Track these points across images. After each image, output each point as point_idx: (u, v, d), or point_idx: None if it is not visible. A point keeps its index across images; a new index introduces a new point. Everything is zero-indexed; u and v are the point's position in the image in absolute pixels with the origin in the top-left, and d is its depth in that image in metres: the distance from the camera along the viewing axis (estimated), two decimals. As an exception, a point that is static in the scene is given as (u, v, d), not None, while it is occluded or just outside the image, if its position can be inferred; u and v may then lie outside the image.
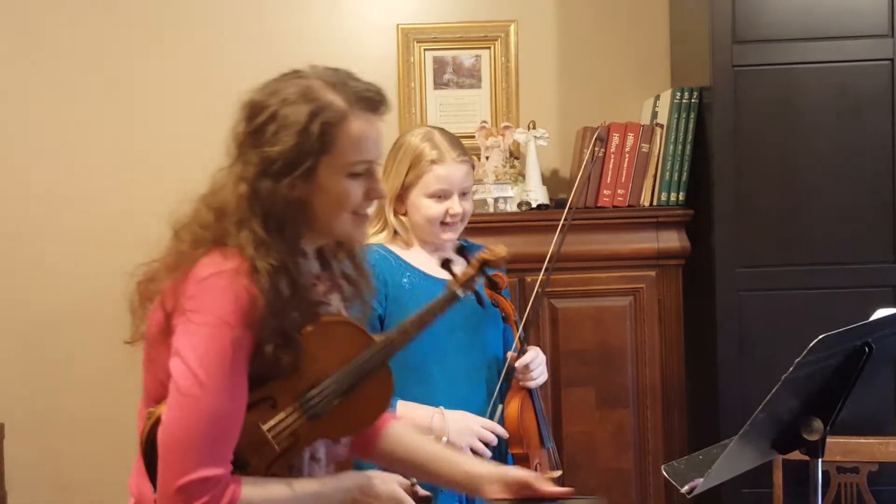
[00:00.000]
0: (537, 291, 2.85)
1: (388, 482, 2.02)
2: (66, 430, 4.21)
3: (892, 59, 3.60)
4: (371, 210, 2.03)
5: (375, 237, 2.84)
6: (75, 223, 4.20)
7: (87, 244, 4.19)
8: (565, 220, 2.85)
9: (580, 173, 2.98)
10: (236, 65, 4.19)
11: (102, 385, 4.16)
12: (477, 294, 2.18)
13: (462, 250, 2.91)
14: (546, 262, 2.82)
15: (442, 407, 2.72)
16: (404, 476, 2.09)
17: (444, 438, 2.67)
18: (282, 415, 1.86)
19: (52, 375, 4.21)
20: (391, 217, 2.84)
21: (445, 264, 2.13)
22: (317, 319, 1.91)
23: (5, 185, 4.20)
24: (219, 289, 1.79)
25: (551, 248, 2.81)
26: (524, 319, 2.87)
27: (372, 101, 1.96)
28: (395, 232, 2.85)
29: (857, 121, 3.62)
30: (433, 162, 2.76)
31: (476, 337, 2.84)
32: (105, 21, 4.20)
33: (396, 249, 2.83)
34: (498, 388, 2.80)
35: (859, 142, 3.63)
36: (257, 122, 1.89)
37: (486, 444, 2.73)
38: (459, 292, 2.07)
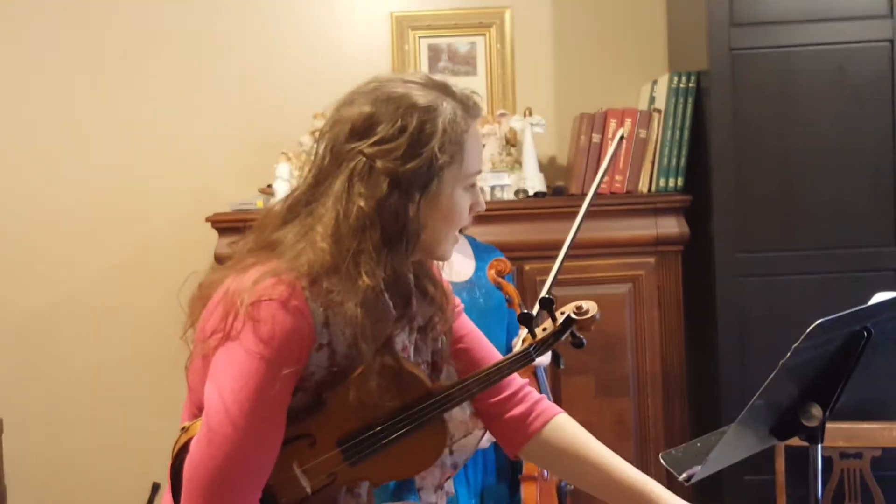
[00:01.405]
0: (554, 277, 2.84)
1: None
2: (65, 424, 4.21)
3: (891, 41, 3.56)
4: None
5: None
6: (73, 218, 4.19)
7: (85, 239, 4.17)
8: (589, 206, 2.85)
9: (606, 159, 2.96)
10: (229, 56, 4.17)
11: (100, 380, 4.16)
12: (556, 355, 2.08)
13: (478, 248, 2.91)
14: (564, 250, 2.81)
15: None
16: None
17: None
18: (319, 457, 1.75)
19: (51, 370, 4.20)
20: None
21: (525, 318, 1.87)
22: (377, 359, 1.74)
23: (1, 181, 4.18)
24: (274, 320, 1.66)
25: (570, 235, 2.79)
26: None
27: (476, 107, 1.84)
28: None
29: (857, 103, 3.59)
30: None
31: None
32: (98, 17, 4.17)
33: None
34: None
35: (859, 124, 3.60)
36: (381, 133, 1.73)
37: None
38: (535, 355, 1.90)
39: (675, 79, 3.77)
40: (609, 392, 3.72)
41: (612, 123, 3.79)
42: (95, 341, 4.15)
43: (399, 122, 1.73)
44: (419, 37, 4.18)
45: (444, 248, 1.85)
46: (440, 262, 2.00)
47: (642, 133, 3.78)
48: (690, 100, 3.76)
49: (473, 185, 1.83)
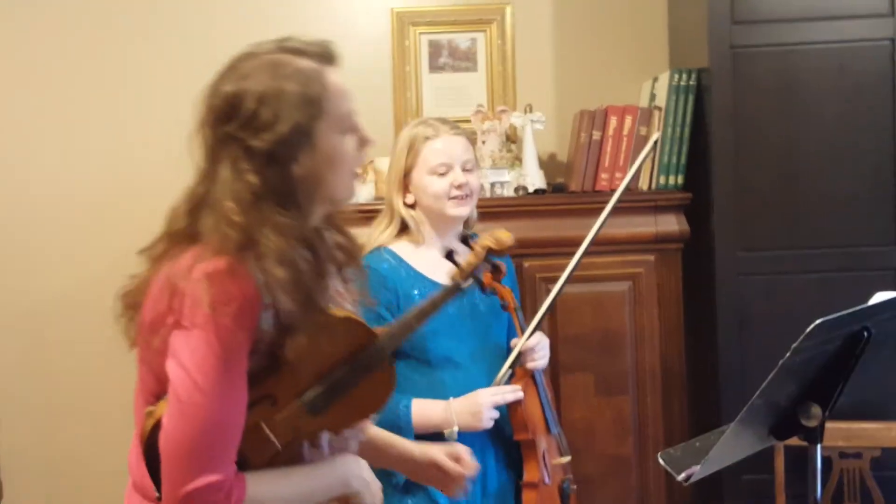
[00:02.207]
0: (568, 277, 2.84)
1: (369, 470, 2.06)
2: (62, 419, 4.21)
3: (892, 39, 3.56)
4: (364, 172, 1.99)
5: (381, 235, 2.84)
6: (72, 214, 4.18)
7: (84, 234, 4.17)
8: (616, 203, 2.85)
9: (641, 156, 2.97)
10: (227, 52, 4.13)
11: (97, 373, 4.15)
12: (479, 282, 2.16)
13: (467, 241, 2.92)
14: (584, 247, 2.81)
15: (451, 398, 2.74)
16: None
17: (455, 427, 2.70)
18: (282, 413, 1.85)
19: (47, 364, 4.19)
20: (400, 208, 2.84)
21: (449, 255, 2.17)
22: (314, 314, 1.84)
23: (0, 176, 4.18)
24: (219, 290, 1.74)
25: (592, 232, 2.80)
26: (549, 306, 2.86)
27: (330, 54, 1.92)
28: (404, 228, 2.85)
29: (858, 102, 3.58)
30: (428, 138, 2.81)
31: (486, 343, 2.85)
32: (99, 18, 4.16)
33: (406, 253, 2.84)
34: (504, 369, 2.78)
35: (859, 123, 3.59)
36: (244, 111, 1.82)
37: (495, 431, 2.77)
38: (463, 284, 2.07)
39: (676, 76, 3.76)
40: (608, 390, 3.71)
41: (613, 120, 3.78)
42: (92, 336, 4.14)
43: (257, 95, 1.81)
44: (420, 32, 4.16)
45: (343, 192, 1.94)
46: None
47: (643, 130, 3.76)
48: (691, 97, 3.75)
49: (352, 125, 1.92)
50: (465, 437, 2.70)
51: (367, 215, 3.48)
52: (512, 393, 2.73)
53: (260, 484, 1.82)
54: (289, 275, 1.77)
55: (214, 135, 1.86)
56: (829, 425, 2.14)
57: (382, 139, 4.07)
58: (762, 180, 3.61)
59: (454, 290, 2.06)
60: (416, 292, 2.78)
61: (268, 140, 1.80)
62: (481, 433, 2.75)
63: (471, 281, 2.08)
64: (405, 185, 2.87)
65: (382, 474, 2.80)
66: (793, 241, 3.62)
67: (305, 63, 1.87)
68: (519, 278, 3.62)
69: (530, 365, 2.80)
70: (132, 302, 1.92)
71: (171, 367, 1.76)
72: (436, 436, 2.71)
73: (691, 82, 3.75)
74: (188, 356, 1.74)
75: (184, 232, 1.87)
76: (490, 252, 2.12)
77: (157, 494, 1.80)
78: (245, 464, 1.82)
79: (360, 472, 2.02)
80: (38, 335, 4.18)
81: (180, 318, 1.77)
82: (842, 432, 3.23)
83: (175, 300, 1.78)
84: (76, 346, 4.17)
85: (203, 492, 1.73)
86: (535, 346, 2.80)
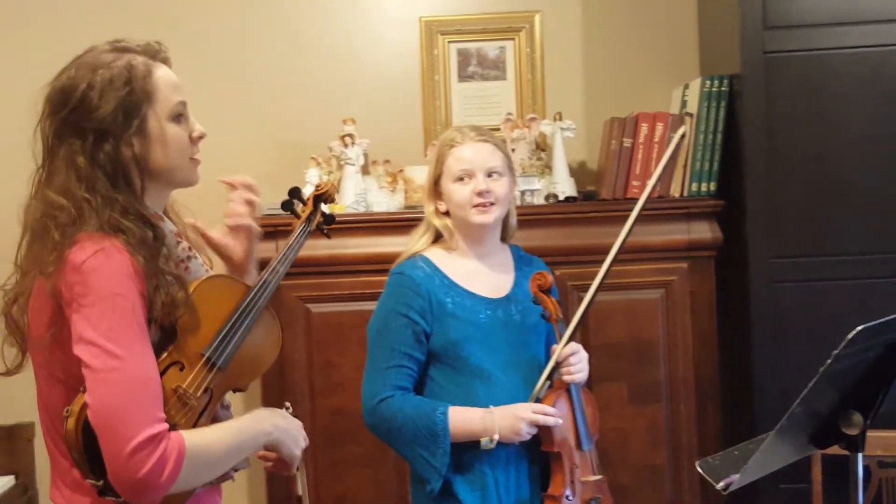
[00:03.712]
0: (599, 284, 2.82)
1: (287, 416, 2.18)
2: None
3: (926, 43, 3.53)
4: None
5: (418, 242, 2.84)
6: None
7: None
8: (641, 210, 2.83)
9: (664, 158, 2.95)
10: (259, 61, 4.17)
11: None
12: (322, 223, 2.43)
13: (521, 260, 2.92)
14: (614, 251, 2.79)
15: (491, 406, 2.71)
16: None
17: (496, 437, 2.68)
18: (192, 374, 1.98)
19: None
20: (431, 217, 2.84)
21: (287, 205, 2.40)
22: (196, 278, 2.06)
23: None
24: (99, 268, 1.87)
25: (622, 234, 2.78)
26: (582, 314, 2.83)
27: (158, 53, 2.09)
28: (439, 235, 2.85)
29: (892, 106, 3.55)
30: (452, 146, 2.80)
31: (521, 355, 2.82)
32: (126, 23, 4.17)
33: (440, 261, 2.83)
34: (541, 382, 2.76)
35: (894, 128, 3.55)
36: (75, 97, 1.97)
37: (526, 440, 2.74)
38: (309, 227, 2.36)
39: (708, 83, 3.73)
40: (642, 398, 3.69)
41: (644, 127, 3.76)
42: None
43: (86, 83, 1.97)
44: (448, 41, 4.16)
45: (182, 175, 2.10)
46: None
47: (681, 128, 3.74)
48: (723, 104, 3.73)
49: (181, 116, 2.07)
50: (497, 444, 2.70)
51: (398, 224, 3.50)
52: (552, 417, 2.71)
53: (195, 437, 1.91)
54: (140, 252, 1.91)
55: (50, 125, 2.00)
56: (868, 434, 2.11)
57: (412, 148, 4.10)
58: (795, 186, 3.58)
59: (304, 234, 2.34)
60: (448, 300, 2.77)
61: (96, 119, 1.95)
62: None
63: (311, 225, 2.37)
64: (437, 193, 2.86)
65: (416, 481, 2.80)
66: (826, 248, 3.59)
67: (134, 57, 2.02)
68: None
69: (567, 378, 2.77)
70: (18, 318, 2.02)
71: (80, 350, 1.85)
72: (469, 444, 2.70)
73: (723, 88, 3.72)
74: (91, 332, 1.84)
75: (40, 230, 1.97)
76: (318, 199, 2.40)
77: (92, 478, 1.88)
78: (174, 429, 1.90)
79: (277, 421, 2.14)
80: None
81: (73, 307, 1.87)
82: (881, 441, 3.19)
83: (63, 292, 1.88)
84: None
85: (146, 443, 1.80)
86: (571, 357, 2.77)
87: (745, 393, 3.68)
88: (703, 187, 3.75)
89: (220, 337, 2.03)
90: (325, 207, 2.45)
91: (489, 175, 2.78)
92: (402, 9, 4.19)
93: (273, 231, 3.48)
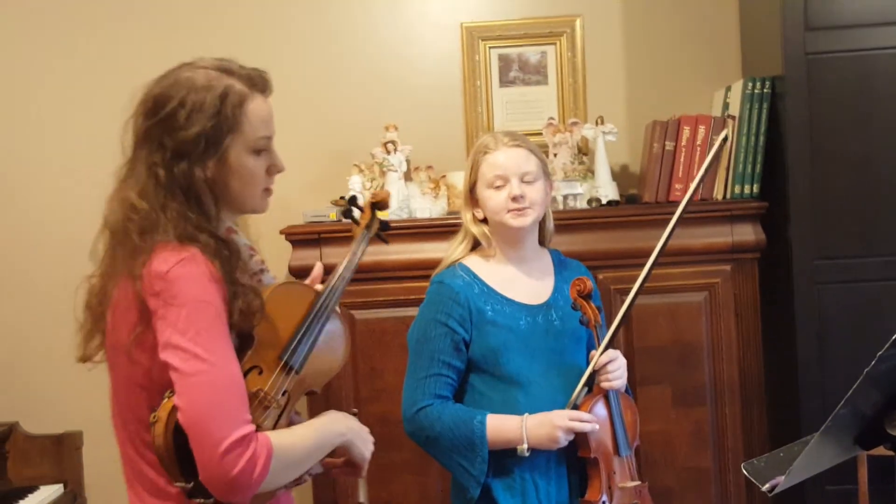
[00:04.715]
0: (640, 287, 2.82)
1: (356, 420, 2.25)
2: (143, 436, 4.24)
3: (971, 41, 3.50)
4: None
5: (456, 250, 2.86)
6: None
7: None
8: (683, 213, 2.83)
9: (707, 160, 2.96)
10: (301, 68, 4.20)
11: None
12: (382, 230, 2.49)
13: (561, 264, 2.93)
14: (653, 258, 2.80)
15: (527, 414, 2.72)
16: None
17: (525, 446, 2.69)
18: (272, 377, 2.03)
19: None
20: (469, 224, 2.86)
21: (347, 213, 2.45)
22: (267, 286, 2.12)
23: (72, 191, 4.24)
24: (185, 276, 1.92)
25: (660, 242, 2.79)
26: (622, 319, 2.84)
27: (262, 83, 2.14)
28: (477, 242, 2.86)
29: (936, 106, 3.53)
30: (486, 152, 2.81)
31: (561, 362, 2.83)
32: (173, 32, 4.23)
33: (479, 268, 2.85)
34: (579, 389, 2.76)
35: (938, 128, 3.53)
36: (167, 110, 2.01)
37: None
38: (369, 234, 2.43)
39: (750, 84, 3.73)
40: (686, 401, 3.69)
41: (686, 130, 3.76)
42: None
43: (177, 101, 2.01)
44: (489, 47, 4.18)
45: (252, 204, 2.14)
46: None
47: (723, 132, 3.74)
48: (765, 105, 3.72)
49: (265, 150, 2.11)
50: (533, 450, 2.71)
51: (441, 230, 3.52)
52: (588, 424, 2.71)
53: (280, 438, 1.97)
54: (220, 263, 1.98)
55: (139, 127, 2.06)
56: (915, 434, 2.11)
57: (455, 154, 4.12)
58: (838, 188, 3.57)
59: (364, 240, 2.40)
60: (488, 308, 2.78)
61: (177, 139, 2.00)
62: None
63: (371, 231, 2.45)
64: (473, 200, 2.88)
65: (457, 489, 2.82)
66: (870, 249, 3.58)
67: (233, 85, 2.06)
68: (593, 290, 3.62)
69: (605, 385, 2.77)
70: (97, 313, 2.10)
71: (168, 355, 1.90)
72: (508, 450, 2.72)
73: (765, 90, 3.72)
74: (179, 337, 1.89)
75: (121, 234, 2.04)
76: (374, 205, 2.47)
77: (181, 481, 1.93)
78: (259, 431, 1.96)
79: (350, 423, 2.21)
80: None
81: (158, 314, 1.92)
82: (927, 442, 3.17)
83: (149, 300, 1.94)
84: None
85: (239, 444, 1.85)
86: (609, 364, 2.78)
87: (790, 395, 3.67)
88: (747, 189, 3.74)
89: (296, 341, 2.09)
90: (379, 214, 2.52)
91: (523, 180, 2.79)
92: (443, 15, 4.21)
93: (317, 238, 3.52)
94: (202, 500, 1.92)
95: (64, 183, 4.24)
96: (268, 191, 2.15)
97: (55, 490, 3.72)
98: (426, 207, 3.85)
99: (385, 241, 2.58)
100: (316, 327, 2.13)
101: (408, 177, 3.99)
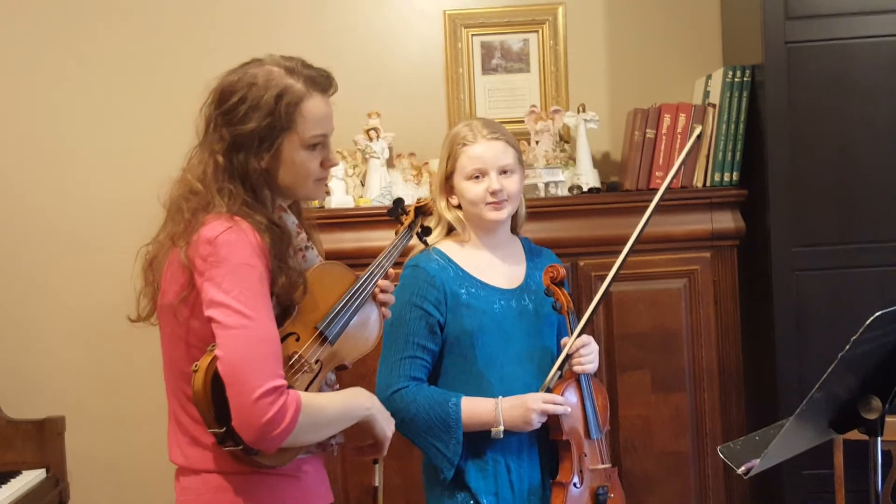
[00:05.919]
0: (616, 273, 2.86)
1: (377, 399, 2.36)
2: (128, 422, 4.25)
3: (949, 32, 3.53)
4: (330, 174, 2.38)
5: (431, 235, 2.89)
6: (137, 218, 4.20)
7: (146, 240, 4.20)
8: (662, 201, 2.86)
9: (681, 156, 2.98)
10: (282, 53, 4.18)
11: (161, 378, 4.18)
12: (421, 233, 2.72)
13: (532, 252, 2.96)
14: (629, 245, 2.83)
15: (500, 397, 2.76)
16: None
17: (500, 427, 2.72)
18: (307, 344, 2.18)
19: (114, 368, 4.24)
20: (443, 210, 2.88)
21: (392, 212, 2.68)
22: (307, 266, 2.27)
23: (62, 186, 4.23)
24: (231, 241, 2.07)
25: (636, 231, 2.82)
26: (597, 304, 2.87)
27: (324, 83, 2.28)
28: (452, 227, 2.89)
29: (914, 95, 3.55)
30: (465, 144, 2.83)
31: (532, 344, 2.86)
32: (154, 21, 4.22)
33: (454, 253, 2.88)
34: (553, 373, 2.80)
35: (917, 117, 3.56)
36: (229, 104, 2.18)
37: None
38: (411, 233, 2.67)
39: (730, 73, 3.75)
40: (665, 387, 3.72)
41: (667, 118, 3.79)
42: (155, 340, 4.19)
43: (239, 96, 2.18)
44: (472, 34, 4.19)
45: (305, 193, 2.30)
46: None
47: (697, 128, 3.76)
48: (745, 94, 3.74)
49: (319, 145, 2.25)
50: (506, 433, 2.74)
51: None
52: (561, 406, 2.75)
53: (309, 398, 2.10)
54: (270, 239, 2.14)
55: (208, 116, 2.24)
56: (888, 419, 2.14)
57: (437, 141, 4.07)
58: (818, 176, 3.60)
59: (406, 237, 2.63)
60: (463, 291, 2.81)
61: (235, 132, 2.17)
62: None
63: (413, 232, 2.68)
64: (448, 188, 2.90)
65: (430, 470, 2.85)
66: (849, 236, 3.60)
67: (293, 84, 2.21)
68: (574, 277, 3.64)
69: (577, 369, 2.81)
70: (151, 278, 2.30)
71: (212, 311, 2.05)
72: (481, 433, 2.76)
73: (745, 79, 3.74)
74: (224, 295, 2.04)
75: (175, 210, 2.23)
76: (419, 210, 2.71)
77: (215, 427, 2.06)
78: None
79: (375, 400, 2.33)
80: (105, 339, 4.22)
81: (205, 276, 2.07)
82: (902, 426, 3.21)
83: (196, 262, 2.09)
84: (143, 351, 4.20)
85: (271, 392, 1.98)
86: (582, 349, 2.81)
87: (768, 381, 3.70)
88: (726, 177, 3.77)
89: (333, 314, 2.24)
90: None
91: (502, 172, 2.82)
92: (426, 3, 4.22)
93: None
94: (233, 446, 2.05)
95: (56, 175, 4.23)
96: (320, 181, 2.30)
97: (37, 475, 3.72)
98: (409, 194, 3.86)
99: (425, 244, 2.80)
100: (353, 305, 2.29)
101: (390, 164, 3.99)
